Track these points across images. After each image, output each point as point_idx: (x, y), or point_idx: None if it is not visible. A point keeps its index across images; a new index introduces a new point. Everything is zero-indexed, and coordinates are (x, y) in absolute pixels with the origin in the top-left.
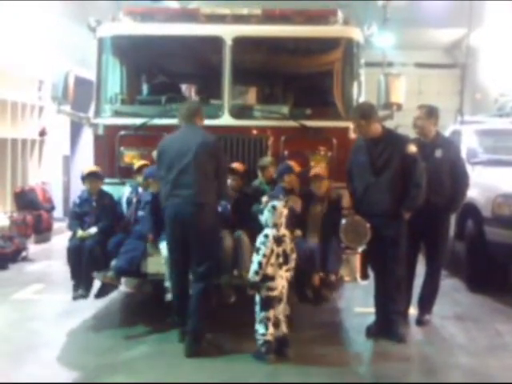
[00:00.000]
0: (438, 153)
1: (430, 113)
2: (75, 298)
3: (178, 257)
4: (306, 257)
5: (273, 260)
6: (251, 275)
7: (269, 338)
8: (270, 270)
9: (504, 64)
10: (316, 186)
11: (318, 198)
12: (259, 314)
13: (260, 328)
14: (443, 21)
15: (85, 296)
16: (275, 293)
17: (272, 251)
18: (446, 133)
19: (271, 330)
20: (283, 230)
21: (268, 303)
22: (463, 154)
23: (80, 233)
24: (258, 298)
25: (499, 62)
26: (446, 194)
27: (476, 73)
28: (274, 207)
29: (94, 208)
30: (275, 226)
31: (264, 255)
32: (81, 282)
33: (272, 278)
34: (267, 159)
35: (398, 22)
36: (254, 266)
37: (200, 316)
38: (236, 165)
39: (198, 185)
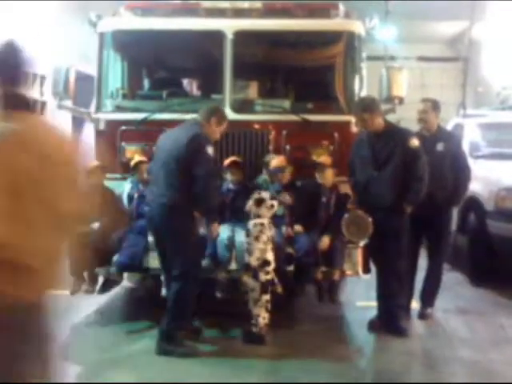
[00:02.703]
0: (440, 146)
1: (435, 106)
2: (73, 292)
3: (160, 255)
4: (306, 252)
5: (269, 246)
6: (253, 261)
7: (267, 321)
8: (269, 256)
9: (506, 57)
10: (320, 176)
11: (324, 189)
12: (260, 300)
13: (262, 312)
14: (445, 13)
15: (91, 292)
16: (270, 276)
17: (267, 238)
18: (449, 126)
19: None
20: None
21: (267, 287)
22: (466, 148)
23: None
24: (254, 285)
25: (502, 55)
26: (447, 187)
27: (478, 66)
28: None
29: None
30: (258, 216)
31: (264, 242)
32: (80, 277)
33: (270, 263)
34: (272, 156)
35: (399, 15)
36: (256, 253)
37: (172, 316)
38: (236, 158)
39: (165, 185)
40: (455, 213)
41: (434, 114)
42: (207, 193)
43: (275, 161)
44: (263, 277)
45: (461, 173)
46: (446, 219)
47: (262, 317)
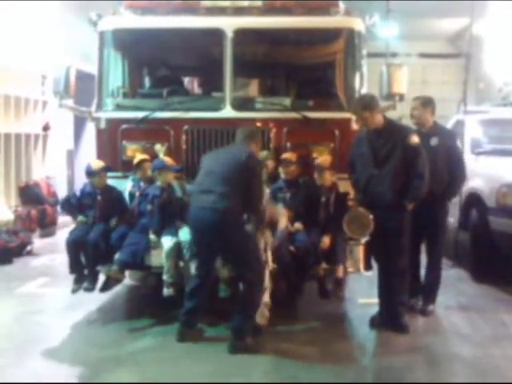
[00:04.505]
0: (434, 141)
1: (426, 103)
2: (74, 290)
3: (201, 256)
4: (307, 250)
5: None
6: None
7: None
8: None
9: (508, 53)
10: (318, 177)
11: (323, 190)
12: (266, 289)
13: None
14: (446, 10)
15: (91, 289)
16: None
17: None
18: (450, 122)
19: None
20: None
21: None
22: (467, 144)
23: (80, 218)
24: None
25: (503, 52)
26: (443, 182)
27: (480, 62)
28: None
29: (99, 202)
30: None
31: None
32: (80, 275)
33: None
34: (263, 154)
35: (401, 12)
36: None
37: (245, 316)
38: None
39: (220, 193)
40: (457, 209)
41: (426, 111)
42: (259, 207)
43: (286, 153)
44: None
45: (455, 167)
46: (442, 214)
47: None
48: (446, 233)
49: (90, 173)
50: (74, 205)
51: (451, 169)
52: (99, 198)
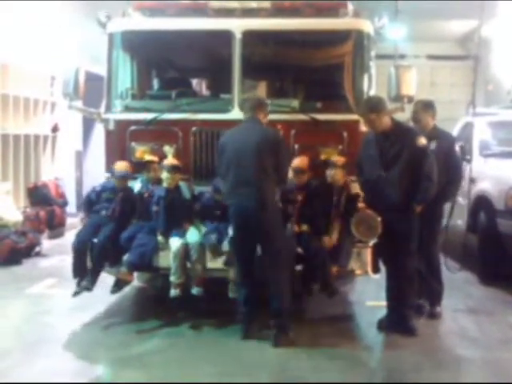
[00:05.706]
0: (433, 144)
1: (427, 106)
2: (76, 293)
3: (244, 255)
4: (316, 252)
5: None
6: None
7: None
8: None
9: None
10: (329, 174)
11: (335, 189)
12: None
13: None
14: (455, 12)
15: (90, 289)
16: None
17: None
18: (459, 125)
19: None
20: None
21: None
22: (475, 146)
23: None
24: None
25: None
26: (440, 184)
27: (489, 64)
28: None
29: (120, 197)
30: None
31: None
32: (83, 278)
33: None
34: None
35: (409, 14)
36: None
37: (284, 309)
38: None
39: (259, 183)
40: (464, 212)
41: (426, 114)
42: (287, 175)
43: (297, 161)
44: None
45: (452, 171)
46: (437, 216)
47: None
48: (440, 235)
49: (112, 174)
50: (93, 201)
51: (448, 172)
52: (121, 194)
